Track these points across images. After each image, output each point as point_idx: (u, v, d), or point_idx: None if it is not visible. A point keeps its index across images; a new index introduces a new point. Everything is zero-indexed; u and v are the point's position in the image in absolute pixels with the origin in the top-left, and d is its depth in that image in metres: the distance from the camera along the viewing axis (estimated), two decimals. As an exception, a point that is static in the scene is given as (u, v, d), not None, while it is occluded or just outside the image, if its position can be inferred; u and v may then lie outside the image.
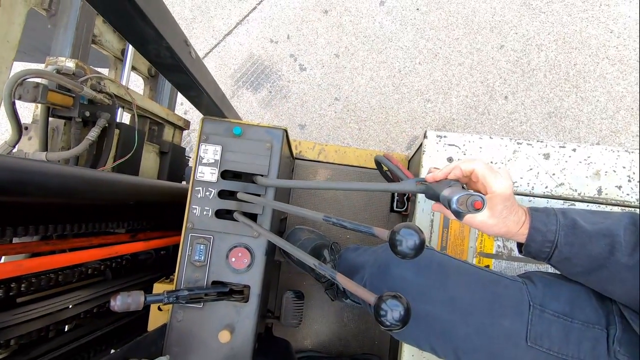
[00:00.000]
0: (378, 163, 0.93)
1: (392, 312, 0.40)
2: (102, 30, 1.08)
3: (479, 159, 0.49)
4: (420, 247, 0.42)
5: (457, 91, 1.91)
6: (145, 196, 0.81)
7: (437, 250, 0.60)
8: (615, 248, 0.44)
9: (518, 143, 0.80)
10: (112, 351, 0.65)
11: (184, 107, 2.06)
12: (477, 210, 0.42)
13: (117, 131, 1.03)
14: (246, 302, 0.69)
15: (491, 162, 0.80)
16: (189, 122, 1.49)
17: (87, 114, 0.86)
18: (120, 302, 0.57)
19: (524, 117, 1.84)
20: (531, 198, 0.78)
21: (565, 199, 0.78)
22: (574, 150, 0.78)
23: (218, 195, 0.70)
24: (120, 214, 0.86)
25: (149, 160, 1.26)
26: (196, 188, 0.70)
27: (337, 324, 1.13)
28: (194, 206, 0.70)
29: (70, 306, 0.73)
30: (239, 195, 0.67)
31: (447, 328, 0.53)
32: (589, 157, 0.78)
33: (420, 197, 0.83)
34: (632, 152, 0.77)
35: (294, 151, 1.17)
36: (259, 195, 0.70)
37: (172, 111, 1.44)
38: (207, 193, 0.70)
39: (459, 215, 0.45)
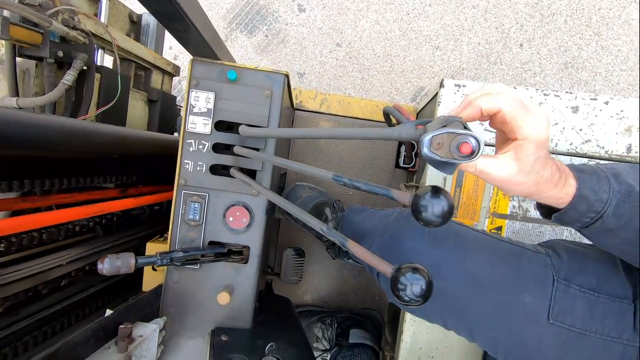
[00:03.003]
0: (386, 115, 0.85)
1: (413, 286, 0.35)
2: (71, -46, 0.93)
3: (505, 90, 0.36)
4: (449, 213, 0.36)
5: (469, 37, 1.77)
6: (133, 148, 0.74)
7: (454, 220, 0.55)
8: None
9: (545, 94, 0.72)
10: (107, 311, 0.62)
11: (173, 52, 1.91)
12: (466, 157, 0.31)
13: (98, 76, 0.93)
14: (246, 263, 0.65)
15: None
16: (179, 67, 1.37)
17: (61, 54, 0.76)
18: (108, 265, 0.52)
19: (539, 67, 1.72)
20: (554, 155, 0.72)
21: (591, 157, 0.72)
22: (606, 103, 0.71)
23: (212, 149, 0.63)
24: (108, 168, 0.79)
25: (137, 109, 1.17)
26: (187, 140, 0.63)
27: (338, 279, 1.12)
28: (185, 161, 0.63)
29: (62, 264, 0.69)
30: (235, 150, 0.60)
31: (463, 305, 0.49)
32: (622, 110, 0.71)
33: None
34: (670, 106, 0.70)
35: (295, 101, 1.08)
36: (257, 149, 0.63)
37: (160, 55, 1.32)
38: (200, 146, 0.63)
39: (441, 166, 0.33)
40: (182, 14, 0.43)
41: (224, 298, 0.63)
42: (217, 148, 0.64)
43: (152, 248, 0.68)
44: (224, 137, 0.63)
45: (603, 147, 0.71)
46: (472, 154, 0.31)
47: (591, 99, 0.71)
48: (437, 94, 0.77)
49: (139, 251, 0.68)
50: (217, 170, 0.65)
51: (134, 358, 0.51)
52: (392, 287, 0.36)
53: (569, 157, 0.72)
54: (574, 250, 0.50)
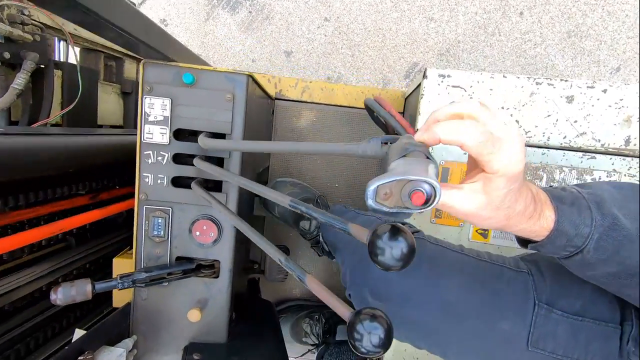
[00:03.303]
0: (368, 108, 0.79)
1: (370, 335, 0.32)
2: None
3: (469, 123, 0.30)
4: (409, 256, 0.32)
5: (466, 7, 1.65)
6: (93, 159, 0.69)
7: (429, 239, 0.50)
8: None
9: (537, 83, 0.66)
10: (76, 331, 0.60)
11: (152, 33, 1.81)
12: (419, 207, 0.27)
13: (60, 73, 0.87)
14: (217, 277, 0.62)
15: (502, 107, 0.67)
16: (155, 54, 1.29)
17: (7, 55, 0.70)
18: (62, 295, 0.49)
19: (539, 37, 1.62)
20: (545, 150, 0.67)
21: (586, 151, 0.66)
22: (605, 91, 0.64)
23: (173, 160, 0.59)
24: (73, 177, 0.75)
25: (109, 103, 1.11)
26: (145, 152, 0.58)
27: (326, 272, 1.10)
28: (144, 174, 0.59)
29: (29, 282, 0.66)
30: (195, 163, 0.55)
31: (436, 334, 0.46)
32: (621, 99, 0.64)
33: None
34: (675, 92, 0.63)
35: (274, 90, 1.02)
36: (222, 159, 0.58)
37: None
38: (159, 158, 0.58)
39: (393, 215, 0.29)
40: (105, 21, 0.38)
41: (194, 315, 0.61)
42: (179, 158, 0.59)
43: (120, 264, 0.65)
44: (185, 147, 0.58)
45: (599, 140, 0.66)
46: (427, 203, 0.27)
47: (588, 87, 0.65)
48: (420, 84, 0.71)
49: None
50: (181, 181, 0.60)
51: (97, 389, 0.50)
52: (349, 335, 0.33)
53: (562, 152, 0.67)
54: (559, 268, 0.46)
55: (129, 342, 0.59)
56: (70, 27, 0.92)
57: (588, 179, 0.66)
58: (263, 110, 0.87)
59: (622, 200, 0.37)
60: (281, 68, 1.78)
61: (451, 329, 0.45)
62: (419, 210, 0.27)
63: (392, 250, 0.31)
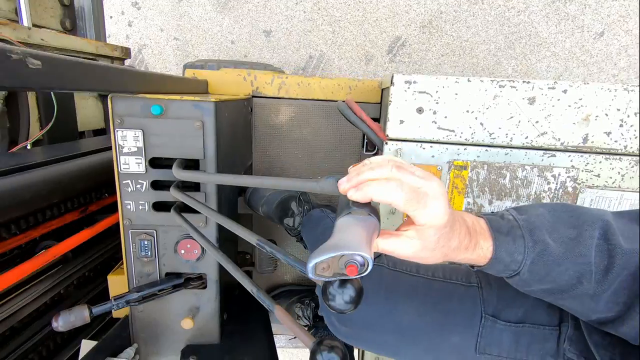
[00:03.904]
0: (341, 112, 0.81)
1: (328, 364, 0.37)
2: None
3: (395, 174, 0.34)
4: (358, 299, 0.36)
5: (447, -25, 1.59)
6: (77, 183, 0.72)
7: (387, 264, 0.55)
8: (585, 277, 0.38)
9: (500, 86, 0.67)
10: (83, 342, 0.66)
11: (126, 17, 1.75)
12: (354, 276, 0.31)
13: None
14: (205, 288, 0.68)
15: (467, 111, 0.69)
16: (128, 49, 1.27)
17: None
18: (62, 322, 0.55)
19: (523, 4, 1.58)
20: (508, 150, 0.70)
21: (547, 149, 0.69)
22: (565, 91, 0.66)
23: (152, 187, 0.62)
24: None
25: (88, 108, 1.11)
26: (123, 181, 0.61)
27: (315, 258, 1.17)
28: (126, 202, 0.62)
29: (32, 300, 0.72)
30: (172, 192, 0.59)
31: (395, 350, 0.52)
32: (580, 99, 0.66)
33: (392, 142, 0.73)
34: (632, 90, 0.65)
35: (250, 88, 1.02)
36: (198, 187, 0.61)
37: (103, 41, 1.21)
38: (138, 186, 0.61)
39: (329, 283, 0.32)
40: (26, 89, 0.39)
41: (187, 324, 0.67)
42: (158, 184, 0.62)
43: (114, 282, 0.70)
44: (161, 174, 0.61)
45: (559, 139, 0.68)
46: (360, 273, 0.31)
47: (549, 87, 0.67)
48: (388, 88, 0.72)
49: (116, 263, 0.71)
50: (163, 205, 0.64)
51: (105, 399, 0.56)
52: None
53: (524, 151, 0.70)
54: (504, 280, 0.51)
55: (130, 351, 0.65)
56: (36, 38, 0.90)
57: (548, 175, 0.70)
58: (239, 115, 0.89)
59: (553, 224, 0.41)
60: (261, 49, 1.75)
61: (407, 347, 0.51)
62: (355, 277, 0.31)
63: (342, 296, 0.36)
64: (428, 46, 1.67)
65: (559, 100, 0.67)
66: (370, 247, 0.31)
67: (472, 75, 1.67)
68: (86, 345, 0.67)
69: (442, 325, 0.49)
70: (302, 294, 1.12)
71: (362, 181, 0.35)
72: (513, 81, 0.67)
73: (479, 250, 0.39)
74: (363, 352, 0.81)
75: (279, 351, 0.79)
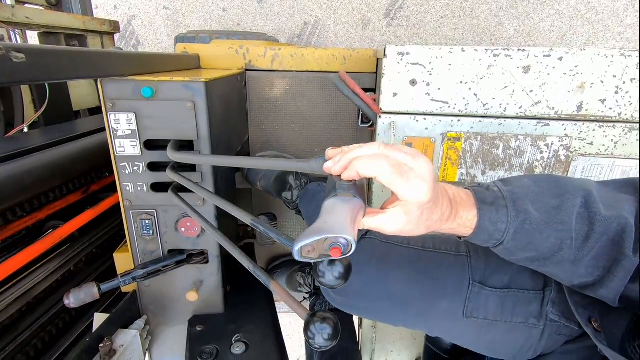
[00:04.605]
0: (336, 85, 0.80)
1: (322, 334, 0.40)
2: None
3: (380, 156, 0.35)
4: (346, 274, 0.38)
5: None
6: (77, 165, 0.73)
7: (379, 237, 0.56)
8: (565, 244, 0.40)
9: (495, 55, 0.66)
10: (95, 315, 0.70)
11: (112, -8, 1.68)
12: (339, 257, 0.32)
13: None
14: (207, 263, 0.71)
15: (461, 82, 0.68)
16: (117, 22, 1.24)
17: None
18: (74, 299, 0.58)
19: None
20: (502, 120, 0.70)
21: (540, 119, 0.69)
22: (560, 59, 0.65)
23: (148, 168, 0.63)
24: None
25: (81, 87, 1.10)
26: (120, 164, 0.62)
27: (314, 229, 1.20)
28: (125, 183, 0.64)
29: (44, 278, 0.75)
30: (168, 174, 0.60)
31: (388, 316, 0.55)
32: (576, 66, 0.65)
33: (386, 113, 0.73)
34: (629, 55, 0.64)
35: (243, 61, 1.00)
36: (194, 167, 0.62)
37: (90, 15, 1.18)
38: (135, 168, 0.63)
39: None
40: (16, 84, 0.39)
41: (192, 296, 0.70)
42: (155, 165, 0.63)
43: (120, 259, 0.73)
44: (157, 156, 0.62)
45: (553, 108, 0.68)
46: (343, 254, 0.32)
47: (544, 55, 0.65)
48: (381, 60, 0.71)
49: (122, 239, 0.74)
50: (161, 185, 0.65)
51: (120, 366, 0.61)
52: (304, 332, 0.41)
53: (518, 121, 0.70)
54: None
55: (140, 322, 0.70)
56: (21, 16, 0.88)
57: (542, 144, 0.70)
58: (233, 90, 0.88)
59: (537, 194, 0.42)
60: (254, 16, 1.69)
61: (399, 313, 0.54)
62: (339, 257, 0.33)
63: (332, 273, 0.38)
64: (427, 8, 1.60)
65: (554, 68, 0.66)
66: (355, 229, 0.33)
67: (473, 38, 1.62)
68: (99, 318, 0.71)
69: (432, 291, 0.52)
70: (303, 264, 1.17)
71: (351, 159, 0.36)
72: (508, 49, 0.66)
73: (459, 220, 0.41)
74: (361, 319, 0.86)
75: (282, 316, 0.84)
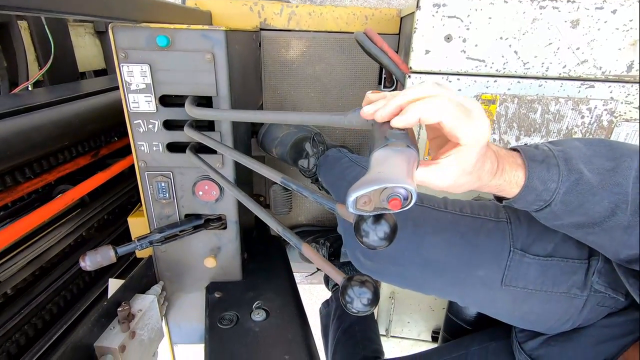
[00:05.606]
0: (359, 42, 0.75)
1: (360, 299, 0.37)
2: None
3: (442, 97, 0.32)
4: (392, 236, 0.35)
5: None
6: (88, 124, 0.69)
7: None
8: (620, 208, 0.36)
9: (541, 7, 0.60)
10: (110, 281, 0.68)
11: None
12: (393, 210, 0.29)
13: (25, 25, 0.81)
14: (225, 229, 0.68)
15: (501, 38, 0.63)
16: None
17: (-35, 19, 0.65)
18: (89, 262, 0.56)
19: None
20: (542, 82, 0.64)
21: (585, 80, 0.64)
22: (614, 12, 0.59)
23: (164, 127, 0.59)
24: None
25: (86, 47, 1.04)
26: (134, 121, 0.58)
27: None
28: (139, 143, 0.60)
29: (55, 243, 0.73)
30: (186, 131, 0.56)
31: (420, 283, 0.52)
32: (630, 20, 0.59)
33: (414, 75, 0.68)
34: (692, 8, 0.58)
35: (258, 19, 0.94)
36: (212, 127, 0.58)
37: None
38: (150, 126, 0.59)
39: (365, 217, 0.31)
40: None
41: (210, 262, 0.68)
42: (171, 124, 0.59)
43: (134, 223, 0.70)
44: (173, 113, 0.58)
45: (600, 68, 0.63)
46: (403, 207, 0.29)
47: (596, 7, 0.59)
48: (413, 14, 0.65)
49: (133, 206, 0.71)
50: (177, 145, 0.61)
51: (139, 330, 0.59)
52: (341, 296, 0.38)
53: (559, 82, 0.64)
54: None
55: (157, 288, 0.68)
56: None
57: (584, 108, 0.65)
58: (248, 49, 0.83)
59: (589, 156, 0.39)
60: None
61: (433, 280, 0.51)
62: (398, 211, 0.29)
63: (376, 233, 0.34)
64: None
65: (606, 22, 0.60)
66: (413, 179, 0.29)
67: None
68: (113, 284, 0.69)
69: (470, 259, 0.49)
70: (317, 234, 1.14)
71: (403, 103, 0.32)
72: (556, 0, 0.60)
73: (505, 175, 0.38)
74: (378, 284, 0.84)
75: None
